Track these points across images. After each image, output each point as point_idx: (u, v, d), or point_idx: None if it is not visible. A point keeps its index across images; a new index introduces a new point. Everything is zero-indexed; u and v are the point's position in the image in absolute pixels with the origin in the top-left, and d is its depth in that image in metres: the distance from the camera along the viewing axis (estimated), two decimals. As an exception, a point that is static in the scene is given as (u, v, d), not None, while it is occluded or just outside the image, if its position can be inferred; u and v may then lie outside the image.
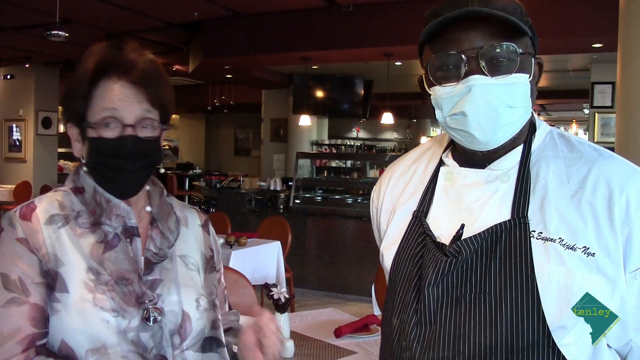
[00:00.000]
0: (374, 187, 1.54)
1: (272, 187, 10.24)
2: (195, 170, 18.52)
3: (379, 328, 3.10)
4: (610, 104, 9.20)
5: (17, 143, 13.64)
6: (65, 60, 12.97)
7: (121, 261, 1.38)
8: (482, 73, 1.18)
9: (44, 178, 13.37)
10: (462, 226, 1.25)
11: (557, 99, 14.45)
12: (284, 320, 2.78)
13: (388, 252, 1.37)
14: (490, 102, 1.18)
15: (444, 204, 1.32)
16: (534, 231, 1.19)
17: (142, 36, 10.26)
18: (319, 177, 11.99)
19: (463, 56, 1.19)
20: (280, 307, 2.76)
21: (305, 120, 11.84)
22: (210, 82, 15.11)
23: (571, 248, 1.16)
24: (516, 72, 1.19)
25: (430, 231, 1.29)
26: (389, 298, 1.34)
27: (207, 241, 1.59)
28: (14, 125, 13.62)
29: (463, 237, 1.23)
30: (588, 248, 1.16)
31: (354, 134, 19.41)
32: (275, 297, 2.76)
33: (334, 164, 14.22)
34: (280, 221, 7.29)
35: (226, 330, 1.57)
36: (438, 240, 1.26)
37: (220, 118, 21.31)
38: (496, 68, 1.18)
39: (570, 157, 1.27)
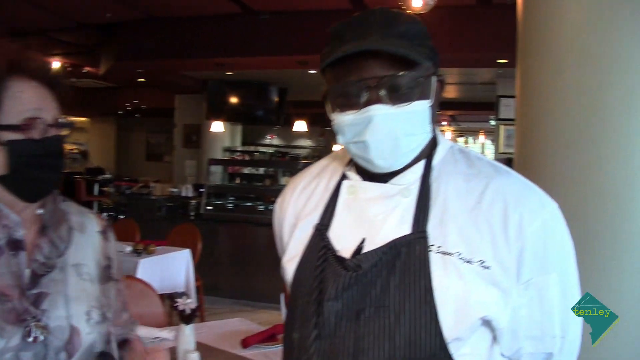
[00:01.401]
0: (277, 199, 1.53)
1: (183, 194, 10.09)
2: (105, 175, 17.98)
3: (287, 338, 3.10)
4: (514, 117, 9.52)
5: None
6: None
7: (2, 276, 1.31)
8: (383, 102, 1.19)
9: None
10: (363, 240, 1.26)
11: (466, 110, 14.90)
12: (189, 332, 2.74)
13: (289, 265, 1.36)
14: (391, 132, 1.19)
15: (345, 217, 1.32)
16: (433, 245, 1.21)
17: (51, 35, 9.94)
18: (232, 183, 11.91)
19: (363, 85, 1.19)
20: (186, 318, 2.72)
21: (217, 126, 11.73)
22: (123, 85, 14.76)
23: (468, 262, 1.19)
24: (417, 100, 1.21)
25: (332, 245, 1.29)
26: (290, 312, 1.34)
27: (104, 249, 1.53)
28: None
29: (363, 251, 1.24)
30: (484, 261, 1.19)
31: (268, 141, 19.38)
32: (180, 308, 2.71)
33: (246, 170, 14.12)
34: (190, 228, 7.19)
35: (122, 342, 1.53)
36: (339, 254, 1.26)
37: (132, 122, 20.84)
38: (397, 97, 1.19)
39: (469, 172, 1.29)
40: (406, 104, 1.19)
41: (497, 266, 1.19)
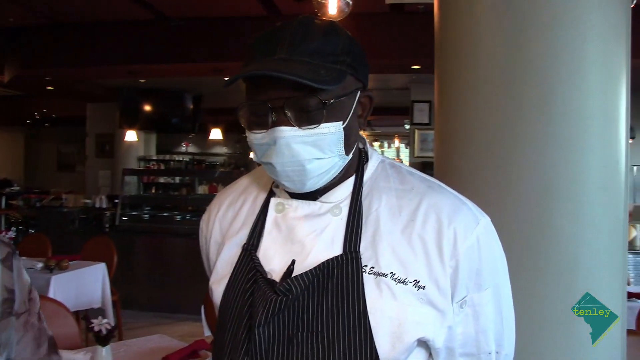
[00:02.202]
0: (203, 215, 1.46)
1: (97, 205, 9.80)
2: (13, 188, 17.26)
3: (209, 353, 3.03)
4: (427, 121, 9.77)
5: None
6: None
7: None
8: (289, 124, 1.13)
9: None
10: (293, 262, 1.21)
11: (381, 115, 15.11)
12: (106, 354, 2.63)
13: (217, 287, 1.30)
14: (297, 154, 1.14)
15: (275, 237, 1.26)
16: (366, 266, 1.17)
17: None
18: (147, 193, 11.65)
19: (270, 105, 1.13)
20: (102, 339, 2.61)
21: (131, 135, 11.47)
22: (30, 93, 14.20)
23: (402, 282, 1.16)
24: (325, 122, 1.14)
25: (261, 266, 1.23)
26: (219, 336, 1.27)
27: (4, 280, 1.34)
28: None
29: (294, 274, 1.18)
30: (419, 281, 1.16)
31: (183, 149, 19.07)
32: (96, 329, 2.60)
33: (162, 180, 13.77)
34: (105, 241, 6.97)
35: None
36: (269, 276, 1.21)
37: (41, 132, 20.11)
38: (303, 119, 1.13)
39: (401, 188, 1.26)
40: (314, 126, 1.14)
41: (432, 285, 1.17)
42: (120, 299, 6.67)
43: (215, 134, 11.20)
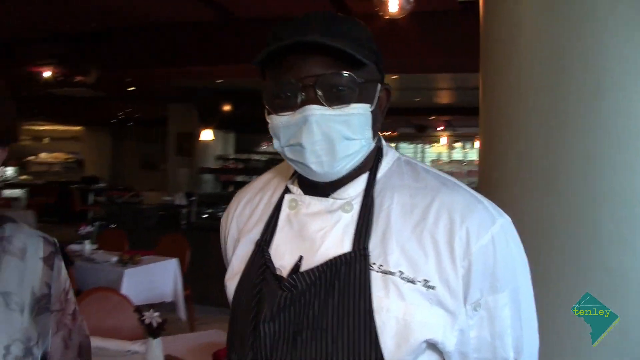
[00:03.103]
0: (223, 214, 1.48)
1: (177, 202, 10.06)
2: (99, 184, 17.98)
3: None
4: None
5: None
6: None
7: None
8: (319, 103, 1.13)
9: None
10: (301, 258, 1.20)
11: (461, 115, 14.91)
12: (156, 345, 2.71)
13: (231, 283, 1.31)
14: (327, 133, 1.13)
15: (286, 233, 1.26)
16: (375, 264, 1.15)
17: (41, 46, 9.93)
18: (224, 192, 11.88)
19: (299, 84, 1.13)
20: (153, 331, 2.69)
21: (207, 134, 11.70)
22: (114, 94, 14.74)
23: (411, 281, 1.13)
24: (355, 103, 1.15)
25: (271, 262, 1.23)
26: (230, 332, 1.29)
27: (45, 277, 1.41)
28: None
29: (301, 270, 1.18)
30: (428, 281, 1.13)
31: (263, 148, 19.32)
32: (147, 321, 2.69)
33: (239, 178, 14.00)
34: (179, 238, 7.16)
35: None
36: (279, 272, 1.21)
37: (126, 131, 20.83)
38: (334, 98, 1.13)
39: (415, 186, 1.24)
40: (344, 105, 1.14)
41: (443, 286, 1.14)
42: (194, 294, 6.83)
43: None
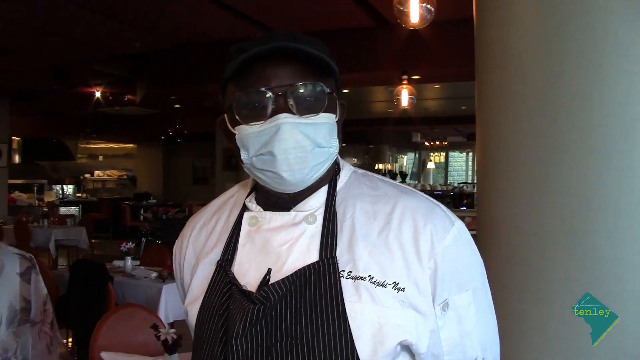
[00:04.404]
0: (177, 241, 1.46)
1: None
2: (150, 201, 18.35)
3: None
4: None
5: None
6: (17, 91, 12.88)
7: None
8: (290, 112, 1.14)
9: (-7, 211, 13.15)
10: (269, 271, 1.18)
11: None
12: (174, 361, 2.73)
13: (192, 307, 1.29)
14: (300, 141, 1.14)
15: (249, 250, 1.25)
16: (344, 271, 1.16)
17: (91, 66, 10.23)
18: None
19: (271, 94, 1.15)
20: (169, 347, 2.71)
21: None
22: (163, 111, 15.07)
23: (382, 285, 1.14)
24: (324, 112, 1.17)
25: (236, 280, 1.21)
26: (195, 356, 1.27)
27: (23, 291, 1.50)
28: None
29: (271, 282, 1.17)
30: (398, 283, 1.14)
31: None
32: (162, 338, 2.71)
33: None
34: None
35: None
36: (245, 288, 1.19)
37: (178, 147, 21.22)
38: (305, 107, 1.15)
39: (374, 194, 1.26)
40: (314, 114, 1.16)
41: (412, 287, 1.15)
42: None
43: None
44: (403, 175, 18.64)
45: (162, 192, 21.05)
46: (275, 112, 1.14)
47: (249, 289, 1.18)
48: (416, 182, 21.95)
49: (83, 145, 22.72)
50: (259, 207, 1.29)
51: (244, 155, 1.20)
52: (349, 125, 11.56)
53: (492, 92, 2.33)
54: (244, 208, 1.32)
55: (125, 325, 3.63)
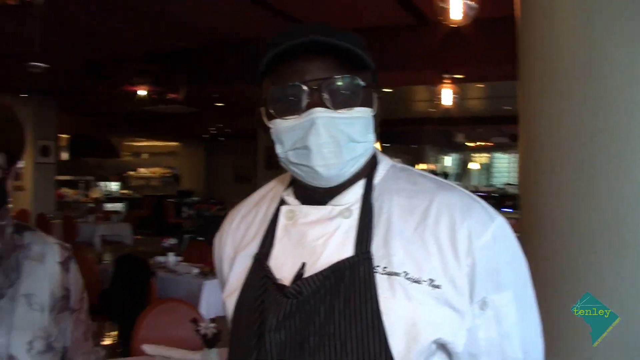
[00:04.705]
0: (216, 234, 1.47)
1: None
2: (192, 198, 18.55)
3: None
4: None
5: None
6: (63, 90, 13.16)
7: None
8: (325, 106, 1.14)
9: (42, 206, 13.44)
10: (303, 265, 1.19)
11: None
12: (214, 356, 2.76)
13: (230, 300, 1.30)
14: (334, 136, 1.14)
15: (285, 244, 1.25)
16: (379, 266, 1.14)
17: (134, 65, 10.39)
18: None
19: (305, 88, 1.14)
20: (209, 341, 2.75)
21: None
22: (205, 110, 15.19)
23: (417, 281, 1.12)
24: (359, 106, 1.16)
25: (272, 273, 1.22)
26: (231, 350, 1.28)
27: (62, 280, 1.53)
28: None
29: (304, 277, 1.17)
30: (434, 280, 1.12)
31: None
32: (202, 332, 2.75)
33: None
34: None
35: None
36: (280, 282, 1.19)
37: (220, 145, 21.38)
38: (339, 101, 1.14)
39: (412, 189, 1.23)
40: (349, 108, 1.15)
41: (448, 284, 1.13)
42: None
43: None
44: (445, 176, 18.52)
45: (204, 190, 21.25)
46: (309, 106, 1.14)
47: (284, 283, 1.19)
48: (459, 183, 21.76)
49: (128, 143, 23.07)
50: (296, 201, 1.29)
51: (279, 149, 1.21)
52: (390, 125, 11.59)
53: (535, 92, 2.29)
54: (282, 202, 1.32)
55: (166, 320, 3.69)
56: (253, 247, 1.31)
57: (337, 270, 1.15)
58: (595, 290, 2.03)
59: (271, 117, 1.20)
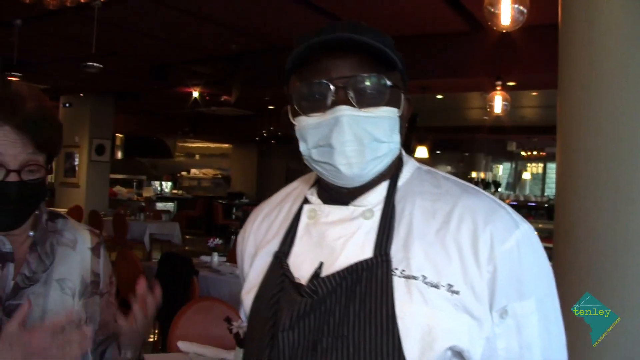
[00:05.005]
0: (240, 230, 1.48)
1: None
2: (242, 200, 18.70)
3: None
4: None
5: (72, 168, 14.14)
6: (118, 91, 13.47)
7: None
8: (350, 104, 1.12)
9: (95, 203, 13.76)
10: (321, 264, 1.18)
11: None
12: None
13: (248, 297, 1.29)
14: (358, 134, 1.13)
15: (305, 243, 1.24)
16: (397, 269, 1.12)
17: (188, 67, 10.55)
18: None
19: (331, 85, 1.13)
20: (240, 341, 2.74)
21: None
22: (257, 112, 15.31)
23: (435, 286, 1.10)
24: (385, 106, 1.15)
25: (290, 272, 1.21)
26: (247, 347, 1.28)
27: (93, 265, 1.60)
28: (71, 152, 14.11)
29: (321, 276, 1.16)
30: (452, 286, 1.10)
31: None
32: (234, 331, 2.73)
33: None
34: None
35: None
36: (297, 281, 1.18)
37: (272, 148, 21.51)
38: (365, 100, 1.13)
39: (436, 192, 1.21)
40: (374, 107, 1.14)
41: (468, 291, 1.10)
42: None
43: (421, 152, 11.10)
44: (496, 185, 18.25)
45: (255, 193, 21.39)
46: (334, 104, 1.13)
47: (302, 282, 1.18)
48: (510, 192, 21.43)
49: (181, 144, 23.46)
50: (319, 200, 1.29)
51: (302, 147, 1.20)
52: (442, 132, 11.49)
53: (574, 101, 2.25)
54: (305, 201, 1.32)
55: (203, 318, 3.71)
56: (274, 245, 1.30)
57: (355, 271, 1.13)
58: (631, 297, 1.98)
59: (296, 114, 1.19)
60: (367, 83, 1.13)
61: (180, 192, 21.32)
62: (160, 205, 17.62)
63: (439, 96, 10.58)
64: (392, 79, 1.16)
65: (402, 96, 1.20)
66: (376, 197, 1.22)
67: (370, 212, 1.20)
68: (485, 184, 16.69)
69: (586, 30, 2.23)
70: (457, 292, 1.10)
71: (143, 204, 15.35)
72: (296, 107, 1.18)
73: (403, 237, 1.16)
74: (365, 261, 1.14)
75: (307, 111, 1.17)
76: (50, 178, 15.60)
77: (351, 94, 1.13)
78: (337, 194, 1.24)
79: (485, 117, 13.63)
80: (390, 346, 1.07)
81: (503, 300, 1.11)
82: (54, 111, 1.52)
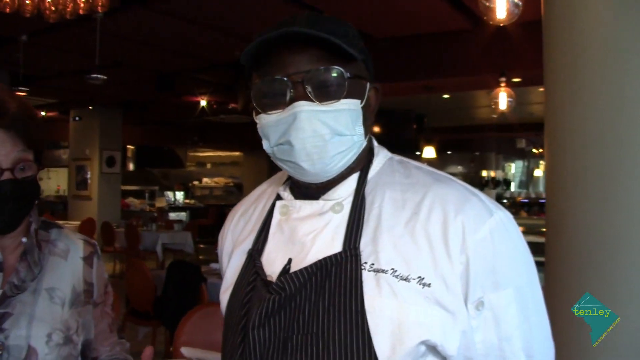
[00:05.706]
0: (220, 230, 1.46)
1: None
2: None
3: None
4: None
5: (84, 181, 14.23)
6: (126, 102, 13.53)
7: None
8: (309, 99, 1.11)
9: (107, 215, 13.82)
10: (289, 261, 1.16)
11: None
12: None
13: (224, 296, 1.28)
14: (318, 129, 1.11)
15: (278, 240, 1.23)
16: (366, 263, 1.10)
17: (195, 76, 10.58)
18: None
19: (288, 81, 1.11)
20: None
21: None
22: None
23: (405, 279, 1.08)
24: (345, 98, 1.12)
25: (262, 269, 1.19)
26: (223, 346, 1.26)
27: (85, 274, 1.60)
28: (82, 165, 14.20)
29: (290, 272, 1.14)
30: (423, 278, 1.07)
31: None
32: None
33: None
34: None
35: None
36: (269, 278, 1.17)
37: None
38: (323, 94, 1.11)
39: (406, 182, 1.19)
40: (334, 101, 1.12)
41: (439, 283, 1.07)
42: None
43: (428, 152, 11.08)
44: (507, 183, 18.13)
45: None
46: (293, 100, 1.12)
47: (273, 279, 1.16)
48: (522, 190, 21.31)
49: (192, 154, 23.55)
50: (290, 196, 1.27)
51: (265, 145, 1.19)
52: (451, 132, 11.46)
53: (560, 98, 2.24)
54: (278, 197, 1.31)
55: (207, 323, 3.70)
56: (248, 243, 1.29)
57: (324, 266, 1.12)
58: (619, 292, 1.96)
59: (257, 112, 1.18)
60: (324, 76, 1.12)
61: (193, 201, 21.39)
62: (172, 215, 17.69)
63: (446, 96, 10.56)
64: (353, 70, 1.14)
65: (368, 86, 1.19)
66: (346, 190, 1.20)
67: (340, 205, 1.19)
68: (495, 183, 16.58)
69: (568, 26, 2.22)
70: (428, 285, 1.07)
71: (155, 214, 15.41)
72: (256, 106, 1.18)
73: (372, 230, 1.14)
74: (334, 256, 1.12)
75: (267, 108, 1.16)
76: (62, 191, 15.84)
77: (309, 88, 1.11)
78: (307, 189, 1.23)
79: (493, 116, 13.59)
80: (360, 342, 1.06)
81: (478, 292, 1.09)
82: (34, 109, 1.54)
